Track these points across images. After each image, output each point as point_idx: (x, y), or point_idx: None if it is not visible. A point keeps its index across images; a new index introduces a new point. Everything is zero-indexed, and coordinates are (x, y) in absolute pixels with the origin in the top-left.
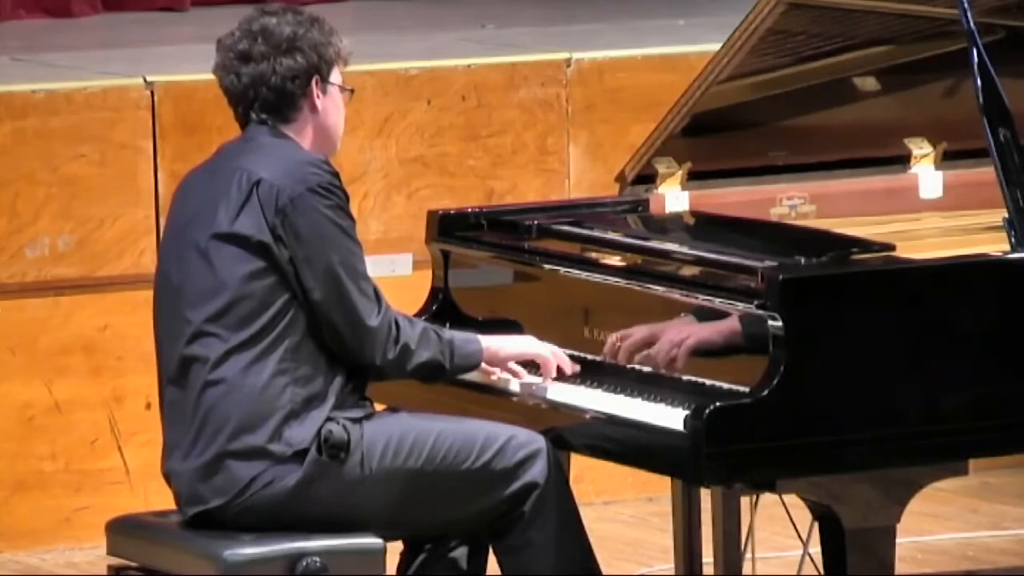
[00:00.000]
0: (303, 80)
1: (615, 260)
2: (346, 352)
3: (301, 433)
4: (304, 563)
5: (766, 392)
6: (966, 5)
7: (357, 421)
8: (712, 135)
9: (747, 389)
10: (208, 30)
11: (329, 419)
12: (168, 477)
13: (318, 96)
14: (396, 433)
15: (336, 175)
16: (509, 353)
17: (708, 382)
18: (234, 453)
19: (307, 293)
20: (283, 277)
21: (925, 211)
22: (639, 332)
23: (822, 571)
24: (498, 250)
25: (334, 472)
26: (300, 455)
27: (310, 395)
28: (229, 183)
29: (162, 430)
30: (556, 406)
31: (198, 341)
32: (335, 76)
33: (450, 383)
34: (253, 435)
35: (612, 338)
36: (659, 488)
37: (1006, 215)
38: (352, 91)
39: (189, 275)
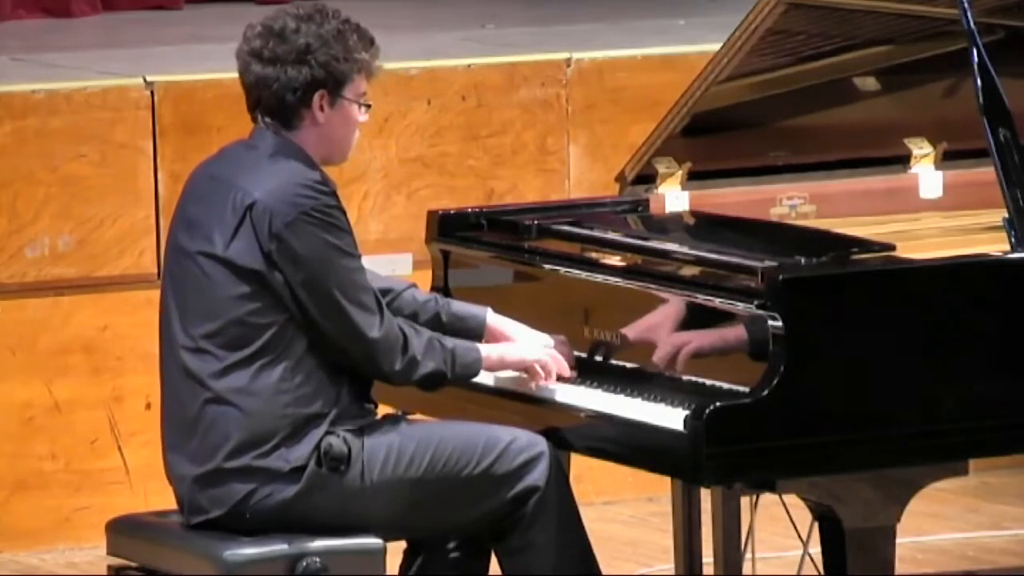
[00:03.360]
0: (305, 93)
1: (615, 260)
2: (355, 365)
3: (300, 450)
4: (304, 563)
5: (766, 392)
6: (966, 5)
7: (357, 432)
8: (712, 135)
9: (747, 389)
10: (206, 30)
11: (329, 432)
12: (169, 478)
13: (322, 109)
14: (396, 442)
15: (331, 194)
16: (509, 362)
17: (708, 382)
18: (231, 471)
19: (306, 313)
20: (278, 300)
21: (925, 211)
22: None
23: (822, 571)
24: (498, 250)
25: (334, 484)
26: (299, 470)
27: (310, 414)
28: (225, 202)
29: (161, 429)
30: (556, 406)
31: (196, 355)
32: (351, 90)
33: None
34: (251, 454)
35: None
36: (659, 488)
37: (1006, 215)
38: (369, 106)
39: (187, 286)
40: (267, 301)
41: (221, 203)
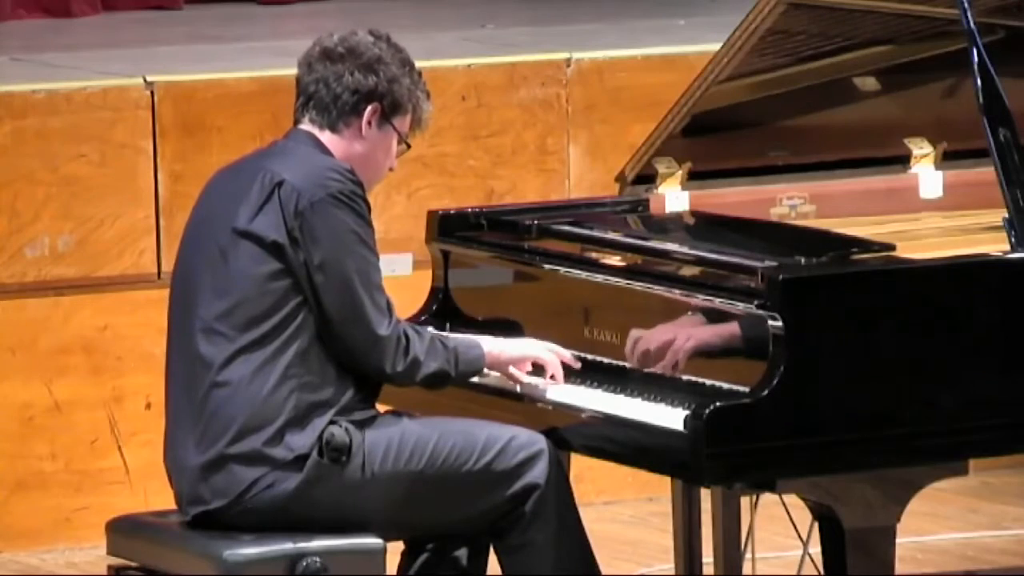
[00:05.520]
0: (362, 99)
1: (615, 260)
2: (355, 361)
3: (303, 438)
4: (304, 563)
5: (766, 392)
6: (966, 5)
7: (359, 425)
8: (712, 135)
9: (747, 389)
10: (206, 30)
11: (331, 422)
12: (169, 471)
13: (370, 123)
14: (397, 436)
15: (360, 184)
16: (511, 357)
17: (708, 382)
18: (235, 456)
19: (319, 298)
20: (296, 281)
21: (925, 211)
22: (650, 335)
23: (822, 571)
24: (498, 250)
25: (335, 475)
26: (301, 459)
27: (315, 402)
28: (252, 182)
29: (165, 421)
30: (556, 406)
31: (206, 338)
32: (400, 123)
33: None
34: (255, 439)
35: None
36: (659, 488)
37: (1006, 215)
38: (408, 147)
39: (203, 270)
40: (284, 281)
41: (247, 184)
